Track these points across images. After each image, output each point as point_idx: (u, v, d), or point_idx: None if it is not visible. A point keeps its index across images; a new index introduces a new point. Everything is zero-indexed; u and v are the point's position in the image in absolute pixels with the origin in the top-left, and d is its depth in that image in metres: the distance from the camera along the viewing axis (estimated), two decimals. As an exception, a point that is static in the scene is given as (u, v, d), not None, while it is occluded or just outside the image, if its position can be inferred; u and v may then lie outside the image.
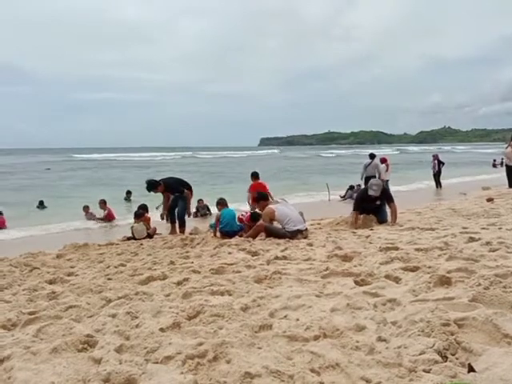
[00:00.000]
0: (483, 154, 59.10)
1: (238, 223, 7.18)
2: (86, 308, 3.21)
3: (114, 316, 2.91)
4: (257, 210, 7.36)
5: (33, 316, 3.08)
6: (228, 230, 7.05)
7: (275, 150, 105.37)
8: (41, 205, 15.93)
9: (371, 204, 7.12)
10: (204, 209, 13.02)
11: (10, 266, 5.41)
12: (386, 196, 7.19)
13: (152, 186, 8.52)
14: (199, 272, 4.23)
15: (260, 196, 7.09)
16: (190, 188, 8.91)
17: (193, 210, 12.63)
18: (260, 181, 10.94)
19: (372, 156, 14.40)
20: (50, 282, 4.39)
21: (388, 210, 7.26)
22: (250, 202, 10.15)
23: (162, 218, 8.94)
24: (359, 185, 14.28)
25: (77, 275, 4.76)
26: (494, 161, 31.05)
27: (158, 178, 8.93)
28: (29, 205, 16.33)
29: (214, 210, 12.11)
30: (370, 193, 7.00)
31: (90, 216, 12.33)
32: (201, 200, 13.20)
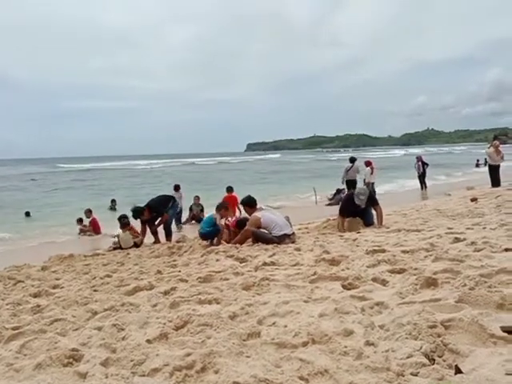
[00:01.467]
0: (466, 154, 60.04)
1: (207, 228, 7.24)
2: (71, 321, 3.15)
3: (99, 329, 2.86)
4: (243, 216, 7.37)
5: (16, 331, 3.01)
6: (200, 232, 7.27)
7: (277, 155, 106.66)
8: (27, 215, 15.75)
9: (356, 207, 7.17)
10: (198, 206, 13.06)
11: (-7, 280, 5.31)
12: (371, 199, 7.25)
13: (137, 213, 8.58)
14: (187, 281, 4.19)
15: (247, 201, 7.05)
16: (173, 202, 9.18)
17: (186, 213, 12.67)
18: (233, 194, 12.28)
19: (352, 160, 14.56)
20: (35, 296, 4.31)
21: (374, 212, 7.31)
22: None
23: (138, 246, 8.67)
24: (344, 188, 14.43)
25: (62, 287, 4.68)
26: (478, 161, 31.55)
27: (142, 205, 8.91)
28: (13, 216, 16.11)
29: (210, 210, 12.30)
30: (357, 202, 7.07)
31: (82, 228, 12.11)
32: (197, 197, 13.28)
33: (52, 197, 24.34)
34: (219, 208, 7.38)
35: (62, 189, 30.12)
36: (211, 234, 7.10)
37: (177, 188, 13.05)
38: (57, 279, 5.26)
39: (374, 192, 12.09)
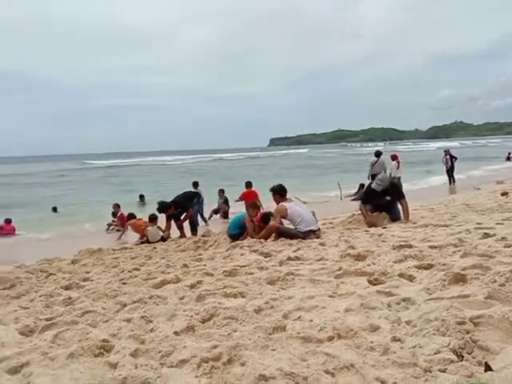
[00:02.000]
0: (499, 147, 58.27)
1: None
2: (101, 313, 3.24)
3: (128, 320, 2.93)
4: (268, 211, 7.31)
5: (50, 322, 3.13)
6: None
7: (305, 149, 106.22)
8: (54, 210, 16.19)
9: (381, 200, 7.07)
10: (222, 198, 13.15)
11: (26, 273, 5.50)
12: (397, 192, 7.13)
13: (163, 207, 8.77)
14: (212, 274, 4.24)
15: (278, 189, 6.84)
16: (198, 197, 9.35)
17: (213, 207, 12.78)
18: (253, 189, 12.22)
19: (378, 154, 14.30)
20: (66, 288, 4.45)
21: (400, 207, 7.21)
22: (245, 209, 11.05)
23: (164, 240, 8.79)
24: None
25: (92, 280, 4.81)
26: (509, 154, 30.62)
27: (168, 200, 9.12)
28: (43, 211, 16.61)
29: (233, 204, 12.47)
30: (373, 186, 7.01)
31: (110, 222, 12.32)
32: (221, 190, 13.37)
33: (79, 192, 24.92)
34: (274, 192, 6.96)
35: (89, 184, 30.80)
36: (239, 236, 7.06)
37: (195, 185, 13.15)
38: (87, 272, 5.41)
39: (401, 186, 11.91)
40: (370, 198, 7.20)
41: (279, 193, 6.80)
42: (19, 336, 2.94)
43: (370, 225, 6.86)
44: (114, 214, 12.43)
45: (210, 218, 12.72)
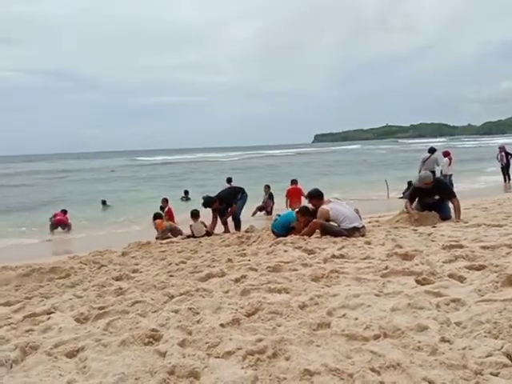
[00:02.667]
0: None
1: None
2: (150, 303, 3.36)
3: (176, 311, 3.02)
4: (307, 205, 7.18)
5: (102, 311, 3.28)
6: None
7: (357, 146, 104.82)
8: (104, 204, 16.90)
9: (429, 199, 6.85)
10: (266, 194, 13.21)
11: (80, 264, 5.78)
12: (445, 191, 6.88)
13: (208, 202, 8.96)
14: (256, 270, 4.28)
15: (314, 193, 6.84)
16: (242, 193, 9.37)
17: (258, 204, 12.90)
18: (298, 186, 12.42)
19: (432, 150, 13.82)
20: (117, 279, 4.64)
21: (451, 206, 6.95)
22: (289, 206, 11.18)
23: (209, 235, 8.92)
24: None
25: (141, 272, 4.99)
26: None
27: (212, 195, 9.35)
28: (94, 205, 17.40)
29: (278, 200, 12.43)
30: (414, 182, 6.87)
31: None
32: (267, 186, 13.44)
33: (129, 187, 25.83)
34: (311, 197, 6.87)
35: (138, 180, 31.81)
36: (283, 234, 6.99)
37: (229, 181, 13.29)
38: (136, 264, 5.62)
39: (452, 184, 11.48)
40: (417, 195, 7.00)
41: (316, 197, 6.77)
42: (74, 323, 3.11)
43: (417, 223, 6.67)
44: (162, 209, 12.79)
45: (253, 215, 12.79)
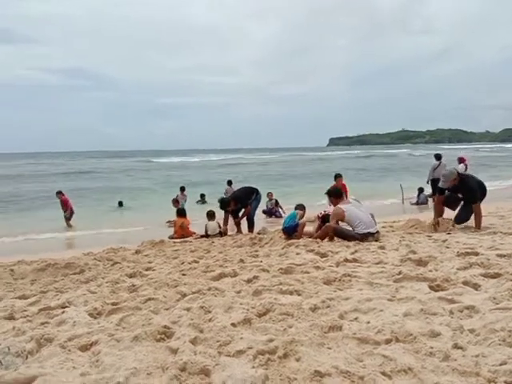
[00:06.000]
0: None
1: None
2: (163, 301, 3.40)
3: (188, 309, 3.05)
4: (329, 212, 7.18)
5: (115, 306, 3.32)
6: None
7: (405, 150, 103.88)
8: (120, 205, 17.09)
9: (452, 194, 6.76)
10: (271, 200, 13.17)
11: (94, 260, 5.86)
12: (469, 192, 6.60)
13: (225, 204, 9.10)
14: (268, 271, 4.29)
15: (333, 192, 6.85)
16: (256, 194, 9.42)
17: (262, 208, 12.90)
18: (342, 182, 11.70)
19: (438, 157, 13.66)
20: (130, 276, 4.69)
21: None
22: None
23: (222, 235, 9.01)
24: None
25: (154, 270, 5.04)
26: None
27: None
28: (109, 205, 17.63)
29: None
30: (440, 185, 6.74)
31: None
32: (270, 193, 13.40)
33: (144, 188, 26.05)
34: (330, 194, 7.03)
35: (154, 180, 31.97)
36: (292, 227, 7.09)
37: (230, 183, 13.25)
38: (149, 262, 5.67)
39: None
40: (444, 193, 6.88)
41: (334, 195, 6.76)
42: (88, 317, 3.15)
43: (433, 229, 6.58)
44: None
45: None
